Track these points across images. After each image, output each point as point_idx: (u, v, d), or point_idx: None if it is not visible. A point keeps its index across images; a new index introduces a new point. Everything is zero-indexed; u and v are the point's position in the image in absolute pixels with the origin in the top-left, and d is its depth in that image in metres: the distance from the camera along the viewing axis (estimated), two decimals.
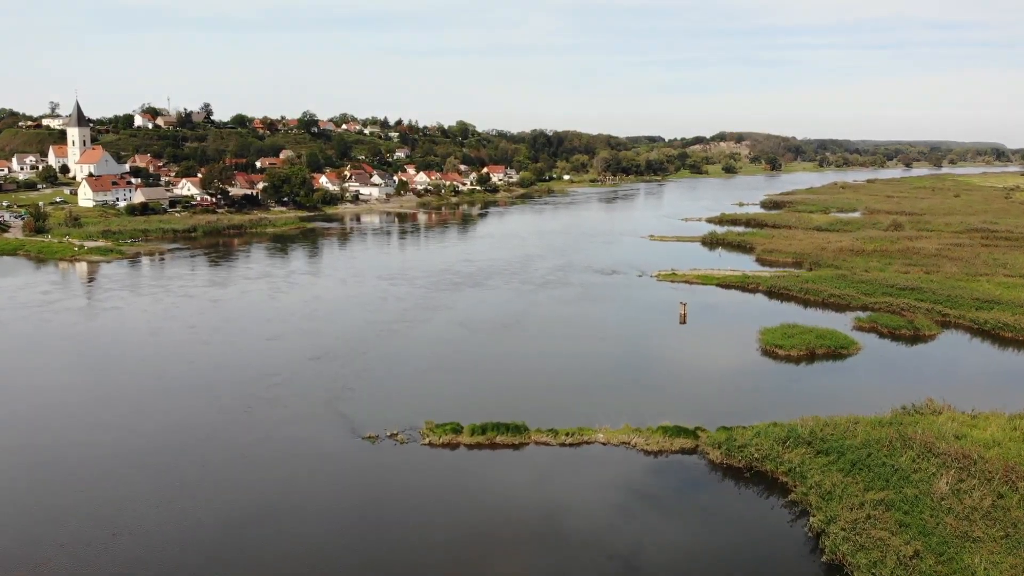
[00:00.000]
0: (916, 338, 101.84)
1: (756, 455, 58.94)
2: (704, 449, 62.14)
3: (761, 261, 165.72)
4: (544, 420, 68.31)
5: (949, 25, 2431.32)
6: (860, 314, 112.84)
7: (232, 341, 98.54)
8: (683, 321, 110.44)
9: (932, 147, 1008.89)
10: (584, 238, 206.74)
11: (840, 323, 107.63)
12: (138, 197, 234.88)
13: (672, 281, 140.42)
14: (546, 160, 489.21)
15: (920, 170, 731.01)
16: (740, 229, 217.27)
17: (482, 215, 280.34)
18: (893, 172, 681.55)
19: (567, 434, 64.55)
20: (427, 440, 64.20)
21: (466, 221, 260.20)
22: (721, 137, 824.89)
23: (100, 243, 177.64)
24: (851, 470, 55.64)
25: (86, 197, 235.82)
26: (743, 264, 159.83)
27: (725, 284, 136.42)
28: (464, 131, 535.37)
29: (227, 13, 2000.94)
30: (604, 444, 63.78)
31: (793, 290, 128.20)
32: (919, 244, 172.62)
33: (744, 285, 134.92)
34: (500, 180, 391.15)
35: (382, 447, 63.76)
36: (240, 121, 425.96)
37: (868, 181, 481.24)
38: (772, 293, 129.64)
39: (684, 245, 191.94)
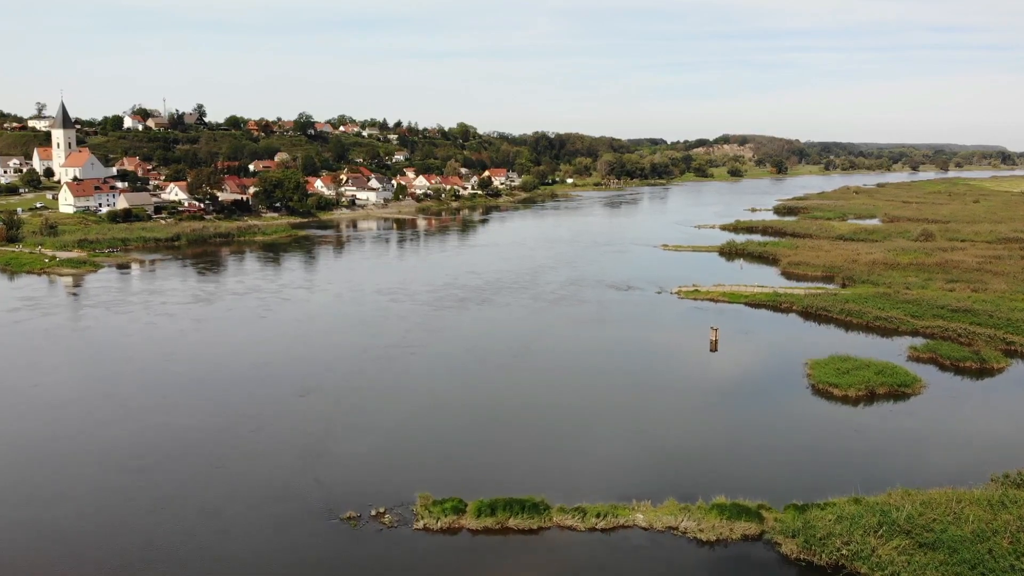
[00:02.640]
0: (983, 371, 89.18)
1: (844, 551, 46.18)
2: (774, 538, 49.04)
3: (787, 275, 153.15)
4: (565, 488, 55.70)
5: (951, 28, 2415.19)
6: (913, 341, 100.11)
7: (212, 373, 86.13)
8: (714, 348, 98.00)
9: (936, 150, 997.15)
10: (594, 247, 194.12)
11: (892, 352, 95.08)
12: (121, 203, 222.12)
13: (695, 298, 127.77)
14: (548, 163, 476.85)
15: (927, 173, 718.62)
16: (758, 238, 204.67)
17: (484, 221, 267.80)
18: (900, 176, 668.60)
19: (598, 515, 51.34)
20: (422, 523, 51.20)
21: (468, 228, 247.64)
22: (724, 140, 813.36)
23: (74, 254, 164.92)
24: None
25: (67, 202, 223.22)
26: (768, 278, 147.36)
27: (754, 303, 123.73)
28: (465, 133, 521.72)
29: (225, 15, 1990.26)
30: (646, 529, 50.73)
31: (832, 311, 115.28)
32: (956, 256, 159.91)
33: (776, 304, 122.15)
34: (502, 184, 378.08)
35: (364, 532, 50.62)
36: (234, 123, 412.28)
37: (878, 185, 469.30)
38: (808, 314, 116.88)
39: (700, 255, 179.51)
